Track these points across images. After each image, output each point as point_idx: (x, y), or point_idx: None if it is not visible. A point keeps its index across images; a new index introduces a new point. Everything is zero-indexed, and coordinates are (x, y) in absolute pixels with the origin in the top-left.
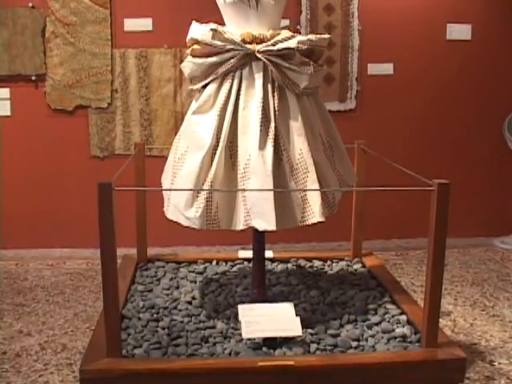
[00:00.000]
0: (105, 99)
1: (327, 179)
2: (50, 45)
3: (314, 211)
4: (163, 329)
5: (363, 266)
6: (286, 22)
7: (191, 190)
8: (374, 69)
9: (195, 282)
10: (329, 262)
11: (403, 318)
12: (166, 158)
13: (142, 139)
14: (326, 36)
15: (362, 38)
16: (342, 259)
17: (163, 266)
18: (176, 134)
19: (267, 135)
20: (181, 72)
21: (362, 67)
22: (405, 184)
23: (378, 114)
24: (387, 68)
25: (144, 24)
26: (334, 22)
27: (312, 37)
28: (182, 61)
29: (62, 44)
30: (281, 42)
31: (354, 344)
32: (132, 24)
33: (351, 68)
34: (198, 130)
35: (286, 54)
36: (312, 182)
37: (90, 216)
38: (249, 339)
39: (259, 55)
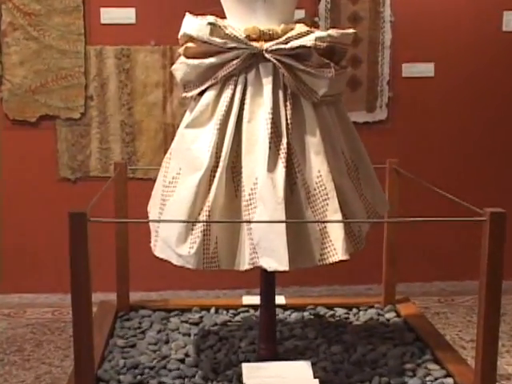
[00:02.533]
0: (77, 108)
1: (352, 208)
2: (7, 39)
3: (335, 247)
4: None
5: (398, 315)
6: (300, 14)
7: (185, 221)
8: (410, 70)
9: (189, 334)
10: (355, 310)
11: (449, 381)
12: (154, 182)
13: (124, 158)
14: (351, 31)
15: (396, 32)
16: (371, 306)
17: (149, 316)
18: (166, 151)
19: (278, 154)
20: (171, 75)
21: (396, 68)
22: (448, 213)
23: (415, 127)
24: (427, 69)
25: (126, 15)
26: (360, 13)
27: (333, 32)
28: (172, 61)
29: (22, 39)
30: (294, 38)
31: None
32: (111, 15)
33: (382, 69)
34: (192, 148)
35: (300, 54)
36: (333, 211)
37: (58, 253)
38: None
39: (268, 55)
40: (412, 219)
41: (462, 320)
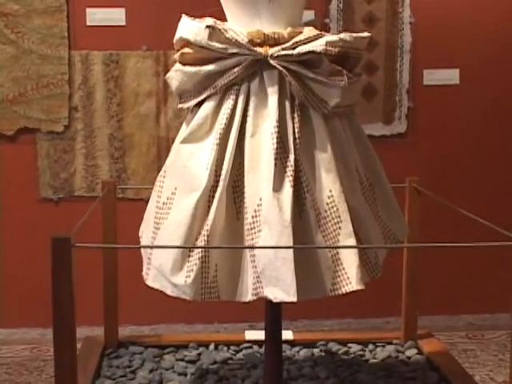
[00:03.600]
0: (60, 120)
1: (367, 232)
2: None
3: (349, 276)
4: None
5: (419, 353)
6: (310, 15)
7: (181, 247)
8: (432, 77)
9: (185, 374)
10: (371, 347)
11: None
12: (146, 203)
13: (113, 176)
14: (366, 34)
15: (416, 35)
16: (389, 342)
17: (141, 353)
18: (159, 168)
19: (284, 172)
20: (166, 84)
21: (416, 75)
22: (477, 237)
23: (438, 141)
24: (451, 76)
25: (114, 16)
26: (376, 13)
27: (346, 36)
28: (167, 68)
29: None
30: (303, 43)
31: None
32: (98, 16)
33: (400, 77)
34: (189, 165)
35: (309, 61)
36: (347, 235)
37: (38, 282)
38: None
39: (273, 62)
40: (435, 245)
41: (492, 358)
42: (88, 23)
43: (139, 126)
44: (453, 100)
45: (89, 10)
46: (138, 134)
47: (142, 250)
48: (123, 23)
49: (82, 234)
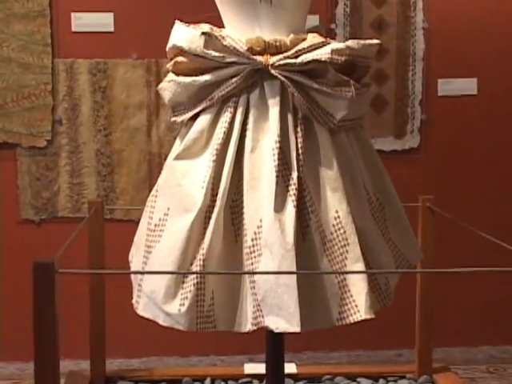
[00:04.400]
0: (42, 135)
1: (377, 255)
2: None
3: (357, 304)
4: None
5: None
6: (314, 21)
7: (174, 272)
8: (447, 87)
9: None
10: (382, 382)
11: None
12: (136, 224)
13: (100, 195)
14: (375, 41)
15: (430, 41)
16: (402, 377)
17: None
18: (151, 187)
19: (287, 191)
20: (158, 95)
21: (430, 85)
22: (497, 262)
23: (454, 156)
24: (468, 85)
25: (102, 21)
26: (386, 18)
27: (353, 43)
28: (159, 78)
29: None
30: (307, 51)
31: None
32: (84, 21)
33: (413, 87)
34: (184, 183)
35: (314, 70)
36: (354, 259)
37: (18, 311)
38: None
39: (274, 72)
40: (451, 270)
41: None
42: (73, 29)
43: (129, 141)
44: (470, 112)
45: (74, 15)
46: (128, 149)
47: (132, 275)
48: (112, 29)
49: (67, 259)
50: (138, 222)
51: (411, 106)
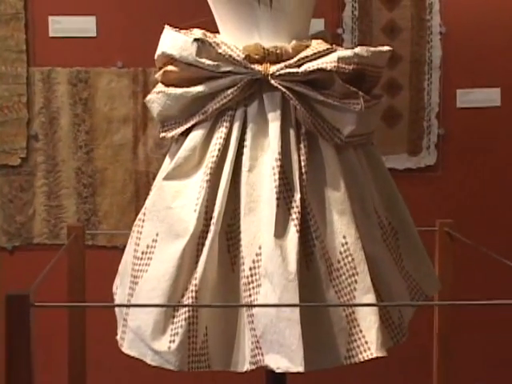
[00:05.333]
0: (16, 152)
1: (390, 286)
2: None
3: (367, 340)
4: None
5: None
6: (319, 25)
7: (164, 305)
8: (467, 98)
9: None
10: None
11: None
12: (121, 252)
13: (81, 219)
14: (386, 48)
15: (448, 48)
16: None
17: None
18: (138, 210)
19: (289, 214)
20: (145, 108)
21: (448, 96)
22: None
23: (475, 175)
24: (490, 96)
25: (83, 26)
26: (399, 22)
27: (362, 50)
28: (146, 89)
29: None
30: (310, 59)
31: None
32: (63, 25)
33: (429, 98)
34: (174, 206)
35: (318, 81)
36: (364, 290)
37: None
38: None
39: (275, 82)
40: (473, 302)
41: None
42: (51, 34)
43: (113, 159)
44: (492, 125)
45: (52, 19)
46: (112, 168)
47: (117, 309)
48: (94, 34)
49: (44, 290)
50: (122, 249)
51: (427, 119)
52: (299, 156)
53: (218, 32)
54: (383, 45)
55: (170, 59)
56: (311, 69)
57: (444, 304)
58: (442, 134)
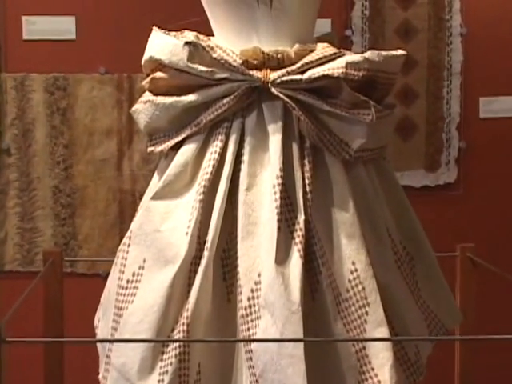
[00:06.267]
0: None
1: (405, 318)
2: None
3: (380, 379)
4: None
5: None
6: (325, 26)
7: (152, 340)
8: (491, 107)
9: None
10: None
11: None
12: (104, 280)
13: (58, 243)
14: (400, 52)
15: (469, 51)
16: None
17: None
18: (122, 233)
19: (292, 238)
20: (131, 119)
21: (470, 105)
22: None
23: (499, 194)
24: None
25: (61, 27)
26: (414, 22)
27: (373, 55)
28: (132, 98)
29: None
30: (315, 65)
31: None
32: (38, 26)
33: (448, 107)
34: (163, 229)
35: (324, 89)
36: (376, 323)
37: None
38: None
39: (275, 90)
40: (499, 336)
41: None
42: (25, 36)
43: (94, 176)
44: None
45: (26, 19)
46: (93, 186)
47: (99, 345)
48: (73, 36)
49: (17, 324)
50: (105, 278)
51: (446, 130)
52: (303, 173)
53: (212, 34)
54: (397, 48)
55: (158, 65)
56: (316, 75)
57: (466, 339)
58: (463, 148)
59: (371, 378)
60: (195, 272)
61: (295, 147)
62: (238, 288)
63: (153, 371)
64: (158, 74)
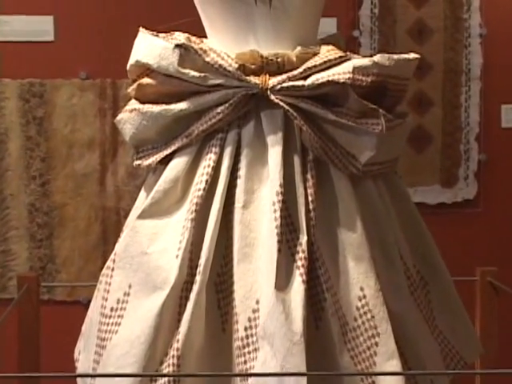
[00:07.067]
0: None
1: (418, 350)
2: None
3: None
4: None
5: None
6: (330, 26)
7: (139, 375)
8: None
9: None
10: None
11: None
12: (85, 308)
13: (34, 267)
14: (413, 55)
15: (489, 53)
16: None
17: None
18: (106, 256)
19: (293, 261)
20: (115, 129)
21: (490, 113)
22: None
23: None
24: None
25: (38, 27)
26: (429, 22)
27: (383, 58)
28: (117, 106)
29: None
30: (319, 70)
31: None
32: (13, 26)
33: (466, 116)
34: (151, 251)
35: (329, 96)
36: (387, 355)
37: None
38: None
39: (275, 98)
40: None
41: None
42: None
43: (75, 192)
44: None
45: None
46: (73, 203)
47: (79, 379)
48: (51, 38)
49: None
50: (87, 305)
51: (464, 142)
52: (305, 189)
53: (205, 36)
54: (409, 51)
55: (145, 69)
56: (320, 81)
57: (487, 373)
58: (483, 161)
59: None
60: (186, 299)
61: (297, 160)
62: (233, 317)
63: None
64: (146, 80)
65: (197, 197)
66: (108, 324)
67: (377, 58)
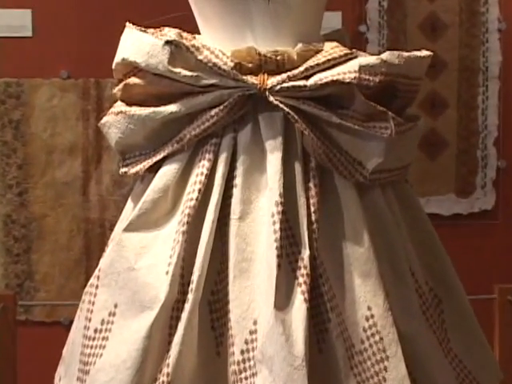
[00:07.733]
0: None
1: (431, 375)
2: None
3: None
4: None
5: None
6: (335, 20)
7: None
8: None
9: None
10: None
11: None
12: (66, 329)
13: (10, 285)
14: (425, 53)
15: (509, 50)
16: None
17: None
18: (89, 272)
19: (294, 277)
20: (99, 134)
21: (510, 115)
22: None
23: None
24: None
25: (15, 22)
26: (442, 16)
27: (392, 56)
28: (101, 108)
29: None
30: (322, 69)
31: None
32: None
33: (484, 119)
34: (138, 267)
35: (333, 97)
36: (397, 381)
37: None
38: None
39: (274, 99)
40: None
41: None
42: None
43: (55, 203)
44: None
45: None
46: (54, 214)
47: None
48: (29, 33)
49: None
50: (68, 326)
51: (482, 147)
52: (308, 199)
53: (198, 32)
54: (421, 48)
55: (133, 68)
56: (323, 81)
57: None
58: (502, 168)
59: None
60: (177, 319)
61: (298, 168)
62: (229, 338)
63: None
64: (133, 80)
65: (189, 207)
66: (91, 347)
67: (385, 55)
